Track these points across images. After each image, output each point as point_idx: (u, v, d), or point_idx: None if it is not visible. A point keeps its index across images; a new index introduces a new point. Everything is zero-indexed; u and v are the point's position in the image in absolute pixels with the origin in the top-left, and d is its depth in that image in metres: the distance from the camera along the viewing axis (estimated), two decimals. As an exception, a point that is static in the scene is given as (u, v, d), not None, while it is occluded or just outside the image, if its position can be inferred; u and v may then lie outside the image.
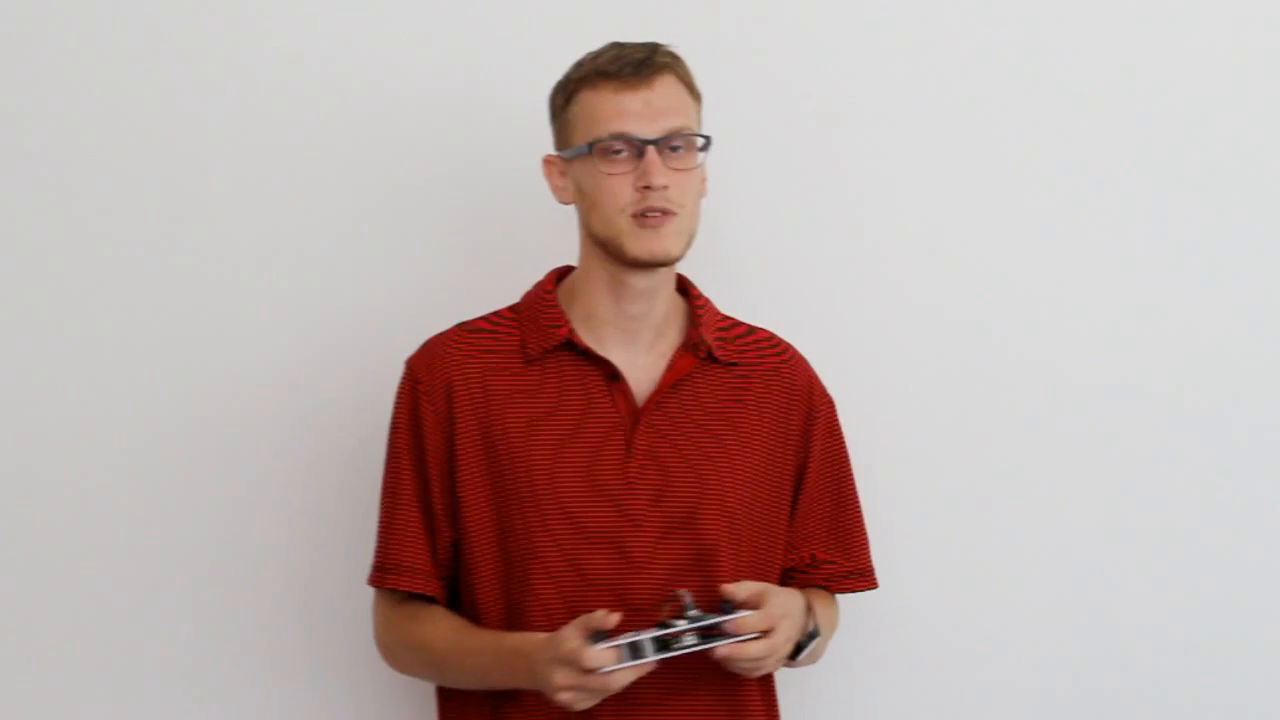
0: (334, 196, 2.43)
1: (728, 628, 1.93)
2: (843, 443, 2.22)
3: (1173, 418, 2.49)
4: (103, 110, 2.41)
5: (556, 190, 2.11)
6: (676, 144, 2.03)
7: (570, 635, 1.90)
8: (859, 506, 2.22)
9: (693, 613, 1.92)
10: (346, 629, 2.38)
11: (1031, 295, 2.49)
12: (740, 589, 1.96)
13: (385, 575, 2.11)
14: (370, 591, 2.16)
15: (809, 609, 2.06)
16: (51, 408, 2.39)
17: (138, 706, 2.39)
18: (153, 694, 2.39)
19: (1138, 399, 2.48)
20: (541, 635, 1.97)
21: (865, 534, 2.22)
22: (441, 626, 2.08)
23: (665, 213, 2.02)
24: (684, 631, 1.91)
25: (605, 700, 1.94)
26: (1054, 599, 2.47)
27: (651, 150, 2.02)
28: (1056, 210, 2.49)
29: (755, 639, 1.94)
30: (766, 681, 2.13)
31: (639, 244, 2.03)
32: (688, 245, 2.06)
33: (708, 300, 2.17)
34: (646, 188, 2.01)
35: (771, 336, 2.20)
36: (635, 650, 1.89)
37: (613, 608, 1.93)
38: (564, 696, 1.91)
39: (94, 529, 2.39)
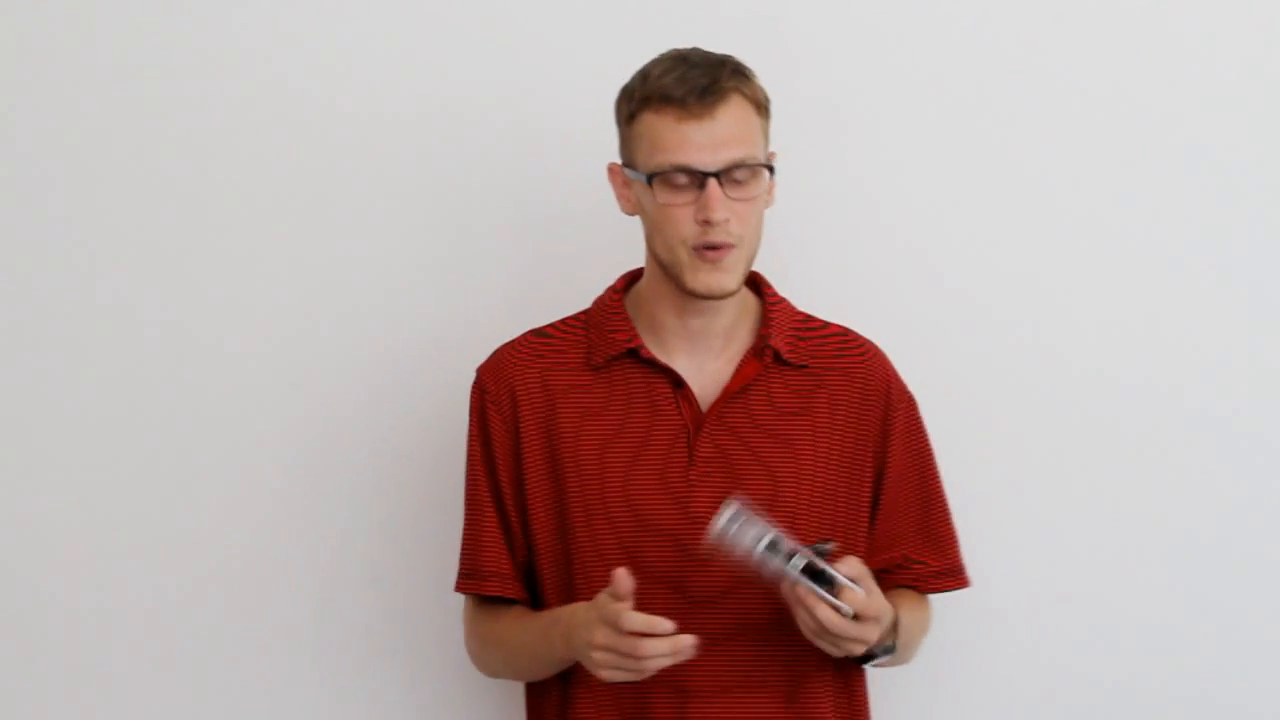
0: (410, 212, 2.44)
1: (839, 581, 1.86)
2: (925, 441, 2.16)
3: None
4: (178, 122, 2.44)
5: (621, 199, 2.07)
6: (739, 174, 1.97)
7: (607, 600, 1.87)
8: (946, 504, 2.17)
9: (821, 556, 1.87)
10: (436, 634, 2.40)
11: (1100, 297, 2.44)
12: (848, 564, 1.89)
13: (469, 582, 2.12)
14: (459, 600, 2.17)
15: (894, 625, 2.00)
16: (152, 414, 2.44)
17: (231, 707, 2.44)
18: (238, 696, 2.44)
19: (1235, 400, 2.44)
20: (581, 604, 1.95)
21: (954, 532, 2.17)
22: (511, 617, 2.09)
23: (725, 246, 1.97)
24: (799, 553, 1.86)
25: (662, 689, 1.95)
26: (1152, 599, 2.44)
27: (712, 183, 1.96)
28: (1092, 207, 2.43)
29: (840, 612, 1.87)
30: (844, 685, 2.08)
31: (697, 279, 1.99)
32: (746, 270, 2.02)
33: (783, 299, 2.12)
34: (706, 221, 1.96)
35: (850, 334, 2.15)
36: (759, 539, 1.85)
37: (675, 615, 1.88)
38: (598, 656, 1.87)
39: (190, 536, 2.44)
